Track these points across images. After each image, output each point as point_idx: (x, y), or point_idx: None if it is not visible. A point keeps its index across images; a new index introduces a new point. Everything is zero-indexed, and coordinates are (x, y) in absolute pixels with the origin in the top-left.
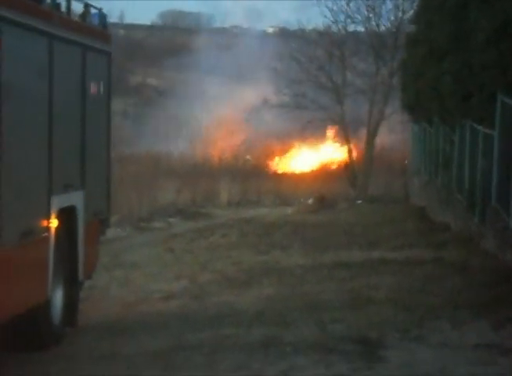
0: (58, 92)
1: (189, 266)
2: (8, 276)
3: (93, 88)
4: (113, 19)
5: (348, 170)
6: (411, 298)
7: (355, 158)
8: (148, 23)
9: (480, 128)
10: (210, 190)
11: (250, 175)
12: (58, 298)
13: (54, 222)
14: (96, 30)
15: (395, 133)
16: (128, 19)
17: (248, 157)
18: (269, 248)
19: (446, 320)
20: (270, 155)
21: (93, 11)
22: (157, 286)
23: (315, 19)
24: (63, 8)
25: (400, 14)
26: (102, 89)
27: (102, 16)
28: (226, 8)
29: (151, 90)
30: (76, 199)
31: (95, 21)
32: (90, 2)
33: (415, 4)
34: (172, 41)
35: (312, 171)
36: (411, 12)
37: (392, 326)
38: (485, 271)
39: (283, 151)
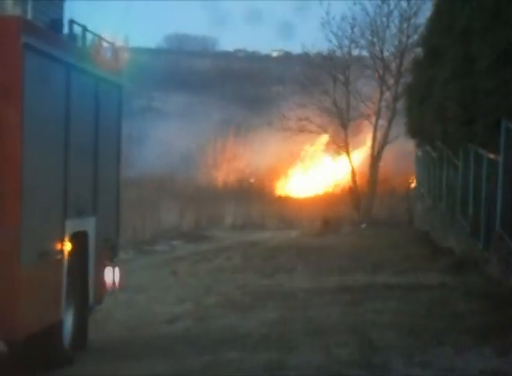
0: (73, 120)
1: (192, 289)
2: (26, 293)
3: (105, 117)
4: (118, 42)
5: (352, 194)
6: (415, 322)
7: (358, 182)
8: (153, 46)
9: (484, 153)
10: (214, 213)
11: (255, 199)
12: (69, 320)
13: (68, 245)
14: (109, 63)
15: (399, 157)
16: (133, 43)
17: (252, 180)
18: (273, 272)
19: (450, 346)
20: (274, 178)
21: (106, 45)
22: (161, 309)
23: (320, 43)
24: (79, 39)
25: (404, 39)
26: (113, 119)
27: (114, 49)
28: (231, 32)
29: (156, 113)
30: (88, 225)
31: (108, 54)
32: (103, 36)
33: (419, 29)
34: (177, 64)
35: (317, 194)
36: (415, 37)
37: (396, 351)
38: (489, 296)
39: (287, 175)
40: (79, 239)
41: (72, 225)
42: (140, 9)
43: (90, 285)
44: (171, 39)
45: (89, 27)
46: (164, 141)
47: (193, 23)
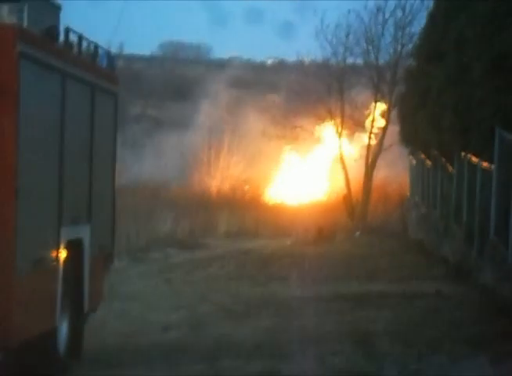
0: (69, 128)
1: (186, 297)
2: (21, 302)
3: (100, 125)
4: (112, 49)
5: (346, 202)
6: (410, 331)
7: (353, 190)
8: (148, 53)
9: (478, 161)
10: (208, 221)
11: (249, 206)
12: (64, 328)
13: (63, 253)
14: (104, 71)
15: (394, 166)
16: (128, 50)
17: (247, 187)
18: (267, 280)
19: (445, 355)
20: (268, 186)
21: (102, 53)
22: (155, 317)
23: (315, 51)
24: (75, 47)
25: (399, 47)
26: (108, 127)
27: (110, 57)
28: (226, 39)
29: (151, 121)
30: (83, 232)
31: (104, 62)
32: (99, 44)
33: (414, 37)
34: (172, 72)
35: (311, 202)
36: (410, 46)
37: (391, 359)
38: (484, 305)
39: (282, 182)
40: (74, 246)
41: (67, 233)
42: (135, 17)
43: (85, 293)
44: (165, 46)
45: (84, 35)
46: (159, 149)
47: (188, 31)
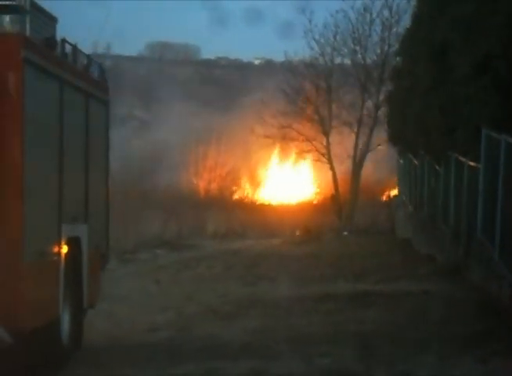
0: (67, 132)
1: (174, 298)
2: (29, 288)
3: (94, 130)
4: (100, 49)
5: (334, 201)
6: (397, 331)
7: (340, 190)
8: (135, 54)
9: (465, 160)
10: (196, 222)
11: (237, 206)
12: (66, 319)
13: (64, 248)
14: (97, 81)
15: (381, 165)
16: (115, 50)
17: (235, 188)
18: (255, 280)
19: (433, 354)
20: (256, 186)
21: (94, 64)
22: (143, 318)
23: (302, 51)
24: (70, 57)
25: (386, 47)
26: (102, 132)
27: (101, 68)
28: (213, 39)
29: (138, 121)
30: (81, 231)
31: (96, 72)
32: (91, 55)
33: (400, 37)
34: (159, 72)
35: (299, 202)
36: (396, 46)
37: (378, 359)
38: (471, 303)
39: (269, 182)
40: (73, 244)
41: (67, 230)
42: (122, 17)
43: (84, 288)
44: (153, 47)
45: (78, 47)
46: (146, 149)
47: (175, 31)
